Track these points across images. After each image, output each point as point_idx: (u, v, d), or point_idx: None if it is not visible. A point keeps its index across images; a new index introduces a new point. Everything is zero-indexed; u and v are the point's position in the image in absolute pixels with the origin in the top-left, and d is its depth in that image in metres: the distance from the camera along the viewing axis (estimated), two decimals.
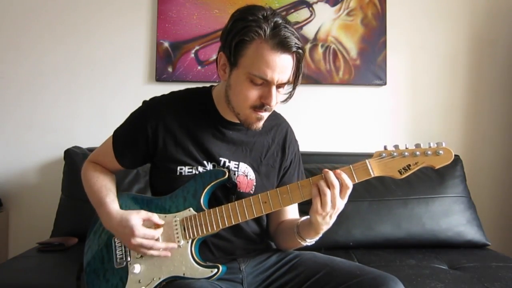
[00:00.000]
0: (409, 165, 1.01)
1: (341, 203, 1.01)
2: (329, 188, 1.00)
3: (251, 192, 1.15)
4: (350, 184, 1.01)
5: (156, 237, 1.05)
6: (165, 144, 1.12)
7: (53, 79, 2.22)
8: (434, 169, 1.01)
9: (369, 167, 1.02)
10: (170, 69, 2.20)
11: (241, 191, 1.14)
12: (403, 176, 1.01)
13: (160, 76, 2.20)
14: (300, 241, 1.12)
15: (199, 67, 2.21)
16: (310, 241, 1.12)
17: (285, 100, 1.10)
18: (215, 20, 2.20)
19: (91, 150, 2.01)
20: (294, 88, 1.08)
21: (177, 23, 2.20)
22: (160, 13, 2.20)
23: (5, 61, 2.22)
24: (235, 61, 1.01)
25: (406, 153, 1.01)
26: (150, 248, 1.04)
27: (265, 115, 1.07)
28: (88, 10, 2.23)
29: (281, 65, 0.99)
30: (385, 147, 1.02)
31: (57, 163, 2.13)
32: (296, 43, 0.99)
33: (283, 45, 0.97)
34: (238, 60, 1.01)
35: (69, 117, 2.22)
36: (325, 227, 1.05)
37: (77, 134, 2.20)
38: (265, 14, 0.99)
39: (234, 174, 1.14)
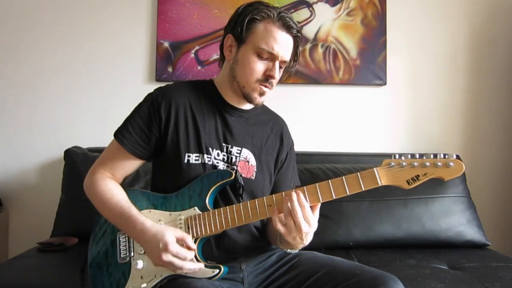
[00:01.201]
0: (418, 175, 0.98)
1: (306, 227, 1.00)
2: (291, 214, 1.00)
3: (252, 178, 1.18)
4: (306, 205, 1.00)
5: (188, 259, 1.02)
6: (176, 128, 1.14)
7: (54, 79, 2.22)
8: (443, 181, 0.98)
9: (377, 176, 1.00)
10: (170, 69, 2.20)
11: (243, 176, 1.16)
12: (411, 187, 0.99)
13: (160, 76, 2.20)
14: (283, 248, 1.16)
15: (199, 67, 2.21)
16: (291, 251, 1.15)
17: (285, 79, 1.27)
18: (215, 20, 2.20)
19: (91, 150, 2.03)
20: (293, 67, 1.23)
21: (177, 23, 2.20)
22: (160, 13, 2.20)
23: (5, 61, 2.22)
24: (245, 38, 1.13)
25: (416, 163, 0.98)
26: (180, 268, 1.02)
27: (267, 90, 1.16)
28: (88, 11, 2.23)
29: (285, 43, 1.14)
30: (394, 156, 1.00)
31: (57, 163, 2.13)
32: (296, 28, 1.14)
33: (287, 27, 1.13)
34: (248, 37, 1.13)
35: (69, 117, 2.22)
36: (300, 245, 1.08)
37: (77, 134, 2.20)
38: (270, 5, 1.15)
39: (237, 160, 1.16)
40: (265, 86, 1.15)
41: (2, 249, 2.17)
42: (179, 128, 1.14)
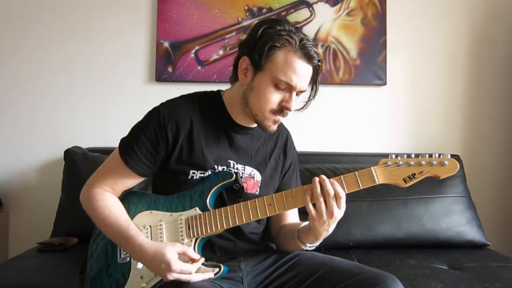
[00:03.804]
0: (414, 174, 1.02)
1: (338, 212, 1.02)
2: (323, 195, 1.01)
3: (256, 193, 1.18)
4: (342, 194, 1.02)
5: (193, 272, 1.01)
6: (182, 148, 1.12)
7: (54, 79, 2.22)
8: (439, 179, 1.02)
9: (374, 174, 1.03)
10: (170, 69, 2.20)
11: (247, 191, 1.17)
12: (408, 185, 1.03)
13: (160, 76, 2.20)
14: (300, 245, 1.14)
15: (199, 67, 2.21)
16: (310, 246, 1.14)
17: (301, 109, 1.18)
18: (215, 20, 2.20)
19: (91, 150, 2.03)
20: (310, 98, 1.17)
21: (177, 23, 2.20)
22: (160, 13, 2.20)
23: (5, 62, 2.22)
24: (263, 65, 1.07)
25: (412, 162, 1.02)
26: (188, 282, 1.01)
27: (281, 119, 1.12)
28: (88, 11, 2.23)
29: (305, 74, 1.08)
30: (390, 156, 1.04)
31: (57, 163, 2.13)
32: (318, 57, 1.09)
33: (308, 57, 1.07)
34: (266, 65, 1.07)
35: (69, 117, 2.22)
36: (324, 234, 1.08)
37: (77, 134, 2.20)
38: (291, 28, 1.08)
39: (241, 176, 1.16)
40: (280, 115, 1.11)
41: (2, 249, 2.17)
42: (184, 147, 1.12)
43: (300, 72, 1.06)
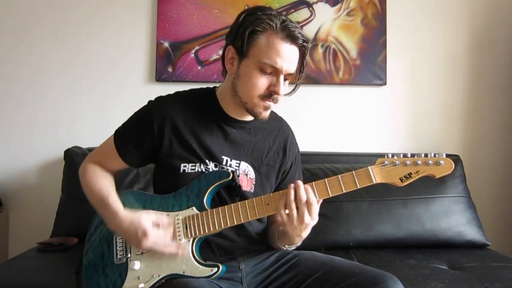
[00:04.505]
0: (410, 173, 1.03)
1: (309, 219, 1.02)
2: (295, 202, 1.02)
3: (251, 190, 1.17)
4: (314, 200, 1.02)
5: (167, 240, 1.05)
6: (170, 142, 1.13)
7: (54, 79, 2.22)
8: (435, 178, 1.04)
9: (372, 174, 1.04)
10: (170, 69, 2.20)
11: (242, 189, 1.16)
12: (404, 184, 1.04)
13: (160, 76, 2.20)
14: (280, 246, 1.17)
15: (199, 67, 2.21)
16: (289, 247, 1.17)
17: (290, 93, 1.17)
18: (215, 20, 2.20)
19: (91, 150, 2.00)
20: (299, 79, 1.14)
21: (177, 23, 2.20)
22: (160, 13, 2.20)
23: (5, 61, 2.22)
24: (246, 51, 1.07)
25: (408, 162, 1.04)
26: (161, 252, 1.05)
27: (272, 104, 1.11)
28: (88, 11, 2.23)
29: (290, 55, 1.07)
30: (387, 155, 1.05)
31: (57, 163, 2.13)
32: (302, 37, 1.07)
33: (291, 37, 1.05)
34: (249, 50, 1.06)
35: (69, 117, 2.22)
36: (298, 239, 1.10)
37: (77, 134, 2.20)
38: (273, 13, 1.08)
39: (238, 175, 1.15)
40: (269, 101, 1.09)
41: (2, 249, 2.17)
42: (173, 142, 1.13)
43: (285, 54, 1.05)
